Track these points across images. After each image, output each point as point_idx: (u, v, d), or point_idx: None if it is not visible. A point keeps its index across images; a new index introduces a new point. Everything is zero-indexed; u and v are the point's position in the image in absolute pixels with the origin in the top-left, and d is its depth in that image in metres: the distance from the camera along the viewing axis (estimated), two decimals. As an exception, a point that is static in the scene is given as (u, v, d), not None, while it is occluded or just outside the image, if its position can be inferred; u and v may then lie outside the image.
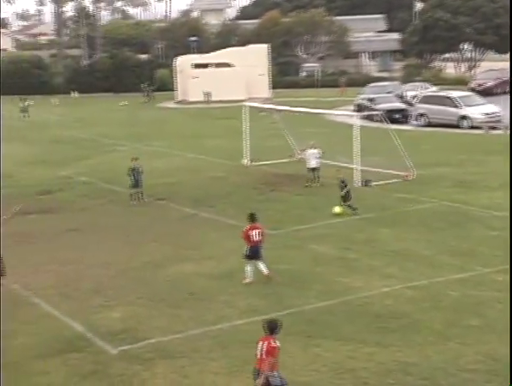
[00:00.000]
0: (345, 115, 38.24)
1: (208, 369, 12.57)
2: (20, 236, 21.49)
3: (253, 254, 16.72)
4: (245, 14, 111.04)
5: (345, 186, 23.03)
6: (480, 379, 11.84)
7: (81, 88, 75.00)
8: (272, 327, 10.94)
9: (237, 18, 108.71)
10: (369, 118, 38.69)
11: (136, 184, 25.33)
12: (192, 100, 63.18)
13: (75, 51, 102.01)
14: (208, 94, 62.02)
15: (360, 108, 46.39)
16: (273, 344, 10.75)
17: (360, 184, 26.83)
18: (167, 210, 24.28)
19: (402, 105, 47.20)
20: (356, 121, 28.34)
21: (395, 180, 27.26)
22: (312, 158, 27.32)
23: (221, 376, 12.32)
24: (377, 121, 35.79)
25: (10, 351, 13.20)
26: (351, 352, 13.00)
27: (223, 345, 13.49)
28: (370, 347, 13.16)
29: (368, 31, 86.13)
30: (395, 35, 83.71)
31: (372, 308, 15.10)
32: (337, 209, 22.68)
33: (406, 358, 12.68)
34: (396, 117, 42.80)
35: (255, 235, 16.72)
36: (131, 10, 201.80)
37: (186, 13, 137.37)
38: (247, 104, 34.81)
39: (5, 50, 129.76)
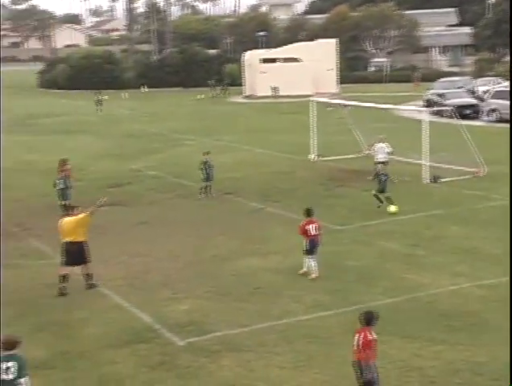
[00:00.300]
0: (414, 110, 37.80)
1: (273, 363, 12.63)
2: (92, 228, 21.95)
3: (313, 248, 16.82)
4: (313, 8, 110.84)
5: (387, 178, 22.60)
6: (551, 381, 11.57)
7: (151, 82, 76.05)
8: (368, 318, 10.90)
9: (306, 12, 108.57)
10: (439, 114, 38.14)
11: (207, 178, 25.58)
12: (259, 94, 63.38)
13: (145, 47, 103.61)
14: (275, 89, 62.10)
15: (429, 103, 45.80)
16: (369, 337, 10.69)
17: (428, 180, 26.50)
18: (233, 204, 24.46)
19: (474, 101, 46.34)
20: (425, 116, 27.97)
21: (465, 177, 26.83)
22: (381, 151, 27.07)
23: (287, 371, 12.36)
24: (447, 116, 35.27)
25: (81, 340, 13.53)
26: (418, 350, 12.88)
27: (288, 340, 13.54)
28: (437, 346, 13.01)
29: (439, 25, 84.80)
30: (467, 29, 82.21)
31: (440, 306, 14.92)
32: (393, 208, 22.26)
33: (474, 357, 12.49)
34: (467, 112, 42.07)
35: (312, 229, 16.81)
36: (201, 6, 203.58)
37: (255, 7, 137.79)
38: (314, 99, 34.71)
39: (78, 45, 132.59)
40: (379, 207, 22.46)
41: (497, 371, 11.95)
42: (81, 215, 16.57)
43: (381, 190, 22.55)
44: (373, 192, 22.67)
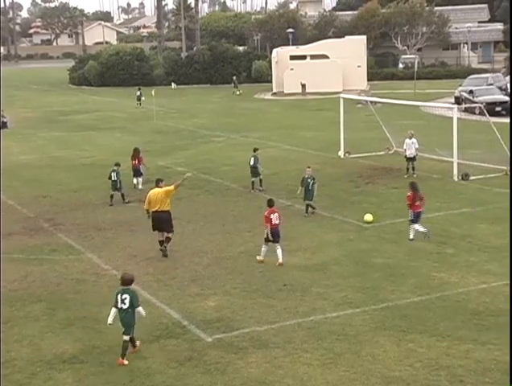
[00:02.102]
0: (444, 107, 37.53)
1: (301, 360, 12.63)
2: (121, 223, 22.15)
3: (273, 236, 17.80)
4: (343, 4, 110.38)
5: (314, 183, 22.40)
6: None
7: (180, 79, 76.25)
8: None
9: (335, 9, 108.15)
10: (469, 111, 37.84)
11: (255, 173, 25.86)
12: (287, 91, 63.29)
13: (174, 44, 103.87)
14: (304, 86, 61.99)
15: (459, 100, 45.42)
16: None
17: (458, 178, 26.31)
18: (261, 201, 24.41)
19: (505, 98, 45.85)
20: (455, 113, 27.77)
21: (495, 174, 26.59)
22: (410, 147, 27.05)
23: (314, 368, 12.36)
24: (477, 113, 34.99)
25: (111, 335, 13.62)
26: (446, 349, 12.81)
27: (316, 337, 13.53)
28: (467, 344, 12.93)
29: (470, 22, 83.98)
30: (498, 25, 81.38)
31: (469, 304, 14.82)
32: (368, 217, 21.23)
33: (504, 356, 12.37)
34: (497, 109, 41.66)
35: (274, 218, 17.86)
36: (229, 2, 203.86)
37: (284, 4, 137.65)
38: (343, 95, 34.60)
39: (108, 42, 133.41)
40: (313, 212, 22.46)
41: (527, 371, 11.83)
42: (168, 188, 18.84)
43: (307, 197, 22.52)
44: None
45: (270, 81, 66.91)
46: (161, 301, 15.54)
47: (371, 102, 36.19)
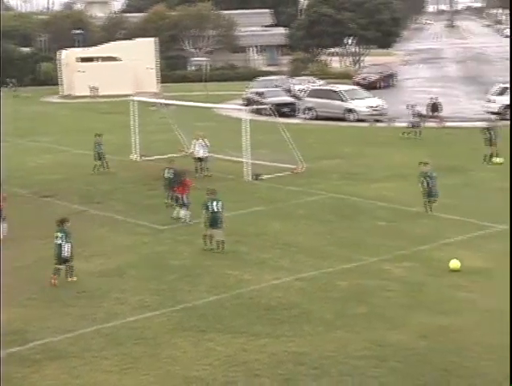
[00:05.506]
0: (234, 109, 38.47)
1: (99, 368, 12.41)
2: None
3: None
4: (131, 7, 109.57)
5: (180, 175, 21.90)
6: (368, 365, 12.19)
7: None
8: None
9: (124, 11, 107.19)
10: (258, 112, 39.04)
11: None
12: (78, 94, 61.90)
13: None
14: (94, 88, 60.92)
15: (249, 102, 46.74)
16: None
17: (250, 178, 27.06)
18: (53, 207, 23.66)
19: (290, 99, 47.85)
20: (245, 114, 28.55)
21: (285, 173, 27.63)
22: (200, 147, 27.61)
23: (113, 374, 12.19)
24: (265, 114, 36.18)
25: None
26: (243, 345, 13.13)
27: (115, 342, 13.35)
28: (262, 339, 13.33)
29: (255, 25, 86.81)
30: (282, 30, 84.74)
31: (263, 300, 15.29)
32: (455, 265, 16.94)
33: (297, 348, 12.91)
34: (284, 110, 43.29)
35: None
36: (11, 1, 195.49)
37: (69, 5, 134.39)
38: (135, 98, 34.41)
39: None
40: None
41: (318, 361, 12.42)
42: None
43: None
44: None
45: (59, 84, 65.07)
46: None
47: (164, 104, 36.30)
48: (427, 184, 21.34)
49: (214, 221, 18.60)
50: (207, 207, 18.63)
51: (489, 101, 42.00)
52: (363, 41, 75.74)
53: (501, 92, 41.82)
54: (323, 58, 77.53)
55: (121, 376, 12.11)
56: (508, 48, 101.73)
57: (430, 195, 21.42)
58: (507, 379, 11.52)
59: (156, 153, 31.64)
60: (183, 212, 21.21)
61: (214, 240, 18.76)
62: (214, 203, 18.64)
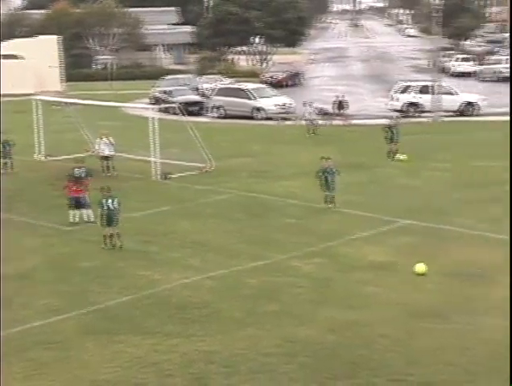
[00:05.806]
0: (142, 108, 38.12)
1: (3, 375, 12.06)
2: None
3: None
4: (32, 3, 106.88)
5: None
6: (278, 362, 12.30)
7: None
8: None
9: (25, 7, 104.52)
10: (166, 111, 38.79)
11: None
12: (-25, 94, 59.97)
13: None
14: (-5, 87, 59.14)
15: (156, 100, 46.45)
16: None
17: (159, 177, 26.90)
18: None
19: (198, 98, 47.86)
20: (152, 113, 28.35)
21: (194, 172, 27.59)
22: (105, 146, 27.48)
23: (19, 381, 11.86)
24: (173, 113, 35.98)
25: None
26: (154, 345, 13.03)
27: (20, 348, 13.01)
28: (174, 339, 13.26)
29: (161, 24, 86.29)
30: (189, 28, 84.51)
31: (174, 300, 15.22)
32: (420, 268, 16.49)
33: (207, 347, 12.91)
34: (192, 109, 43.23)
35: None
36: None
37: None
38: (38, 97, 33.67)
39: None
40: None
41: (229, 359, 12.45)
42: None
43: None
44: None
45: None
46: None
47: (69, 103, 35.62)
48: (326, 179, 21.73)
49: (110, 219, 18.42)
50: (102, 205, 18.41)
51: (393, 99, 43.15)
52: (270, 40, 76.45)
53: (404, 90, 43.07)
54: (230, 56, 77.88)
55: (28, 383, 11.80)
56: (410, 48, 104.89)
57: (328, 189, 21.83)
58: (411, 367, 11.87)
59: (62, 153, 31.04)
60: (86, 213, 20.88)
61: (114, 239, 18.57)
62: (110, 201, 18.43)
